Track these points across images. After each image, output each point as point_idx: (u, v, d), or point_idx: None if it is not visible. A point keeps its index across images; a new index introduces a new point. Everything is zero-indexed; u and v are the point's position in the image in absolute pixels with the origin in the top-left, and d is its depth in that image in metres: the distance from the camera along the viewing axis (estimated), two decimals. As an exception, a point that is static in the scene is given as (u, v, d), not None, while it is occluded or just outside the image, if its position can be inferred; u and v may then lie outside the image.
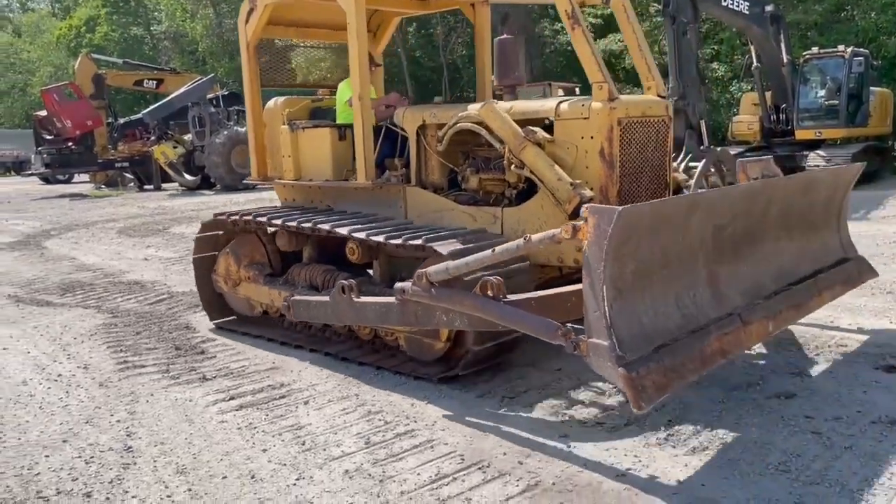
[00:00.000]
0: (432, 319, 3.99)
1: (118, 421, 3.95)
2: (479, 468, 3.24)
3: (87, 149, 23.86)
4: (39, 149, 25.04)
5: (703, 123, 13.71)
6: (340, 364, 4.81)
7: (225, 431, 3.76)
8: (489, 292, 3.64)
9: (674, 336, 3.33)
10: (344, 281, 4.50)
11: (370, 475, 3.21)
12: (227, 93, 24.63)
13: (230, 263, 5.77)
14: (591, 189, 4.23)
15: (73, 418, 4.02)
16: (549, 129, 4.49)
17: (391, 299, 4.15)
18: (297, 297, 4.95)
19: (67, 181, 29.21)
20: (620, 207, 2.97)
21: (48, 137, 24.51)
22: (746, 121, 17.37)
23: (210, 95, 23.20)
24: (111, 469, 3.37)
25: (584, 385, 4.21)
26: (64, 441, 3.70)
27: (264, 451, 3.51)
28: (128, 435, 3.76)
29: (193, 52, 42.72)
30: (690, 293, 3.57)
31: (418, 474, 3.20)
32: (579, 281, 3.15)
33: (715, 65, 22.91)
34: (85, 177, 26.94)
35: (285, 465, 3.35)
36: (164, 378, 4.66)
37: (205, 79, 24.28)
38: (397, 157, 5.26)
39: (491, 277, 3.68)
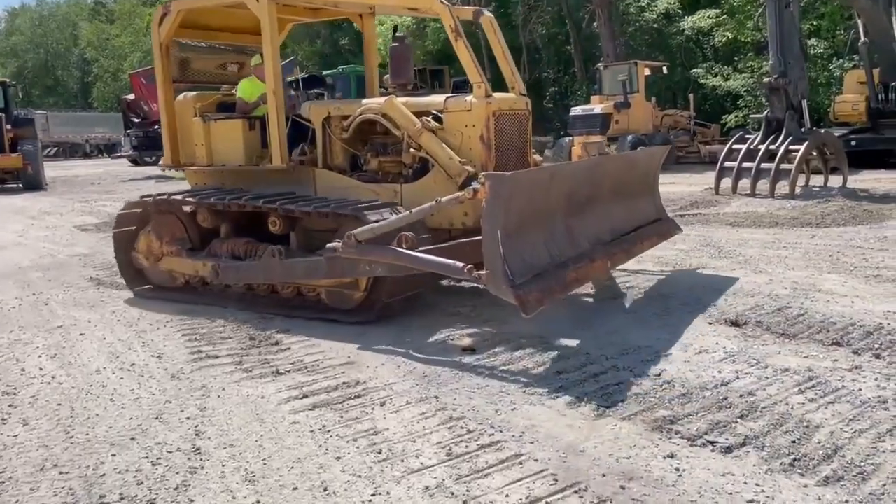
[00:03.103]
0: (356, 271, 5.05)
1: (188, 418, 3.76)
2: (576, 492, 2.87)
3: (172, 131, 24.36)
4: (128, 131, 25.82)
5: (804, 103, 12.77)
6: (418, 360, 4.51)
7: (297, 434, 3.51)
8: (405, 245, 4.72)
9: (545, 268, 4.66)
10: (274, 247, 5.58)
11: (453, 494, 2.88)
12: (306, 76, 24.71)
13: (151, 241, 6.41)
14: (474, 166, 5.43)
15: (143, 413, 3.85)
16: (438, 119, 5.63)
17: (319, 258, 5.20)
18: (225, 264, 5.85)
19: (155, 163, 30.08)
20: (509, 174, 4.38)
21: (136, 120, 25.22)
22: (851, 100, 16.19)
23: (290, 78, 23.31)
24: (178, 473, 3.16)
25: (690, 393, 3.78)
26: (132, 439, 3.53)
27: (338, 458, 3.23)
28: (197, 434, 3.56)
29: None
30: (554, 238, 4.96)
31: (507, 496, 2.85)
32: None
33: (814, 41, 21.48)
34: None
35: (360, 476, 3.07)
36: (236, 371, 4.46)
37: (285, 62, 24.41)
38: (306, 144, 6.16)
39: (406, 233, 4.78)
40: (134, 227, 6.58)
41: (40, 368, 4.63)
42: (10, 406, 4.00)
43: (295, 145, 6.18)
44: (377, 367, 4.44)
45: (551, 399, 3.80)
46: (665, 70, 21.39)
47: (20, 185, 20.44)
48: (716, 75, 23.58)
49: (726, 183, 12.63)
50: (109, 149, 41.72)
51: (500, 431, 3.44)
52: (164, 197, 6.32)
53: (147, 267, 6.50)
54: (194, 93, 6.93)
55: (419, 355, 4.61)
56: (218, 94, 7.09)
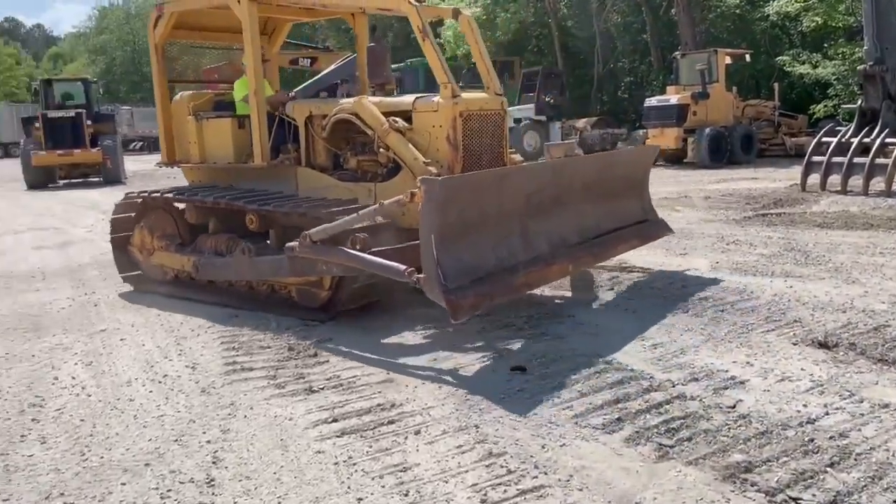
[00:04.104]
0: (314, 270, 5.11)
1: (208, 441, 3.49)
2: (628, 560, 2.44)
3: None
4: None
5: (903, 92, 11.71)
6: (461, 380, 4.13)
7: (319, 466, 3.18)
8: (357, 246, 4.77)
9: (489, 272, 4.56)
10: (243, 244, 5.71)
11: (483, 553, 2.50)
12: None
13: (145, 235, 6.63)
14: (441, 166, 5.40)
15: (164, 433, 3.61)
16: (409, 119, 5.61)
17: (282, 256, 5.23)
18: (203, 260, 6.05)
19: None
20: (442, 178, 4.53)
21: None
22: (957, 88, 14.79)
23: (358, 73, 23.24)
24: (185, 510, 2.89)
25: (770, 432, 3.26)
26: (146, 465, 3.28)
27: (360, 500, 2.89)
28: (214, 462, 3.28)
29: (348, 31, 43.53)
30: (505, 241, 4.84)
31: (545, 560, 2.45)
32: None
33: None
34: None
35: (381, 524, 2.72)
36: (268, 386, 4.19)
37: (353, 56, 24.38)
38: (290, 143, 6.22)
39: (358, 234, 4.81)
40: (130, 221, 6.84)
41: (73, 378, 4.48)
42: (33, 420, 3.84)
43: (284, 144, 6.28)
44: (416, 386, 4.08)
45: (607, 434, 3.36)
46: (748, 58, 20.21)
47: (100, 180, 21.06)
48: (803, 63, 22.15)
49: (814, 179, 11.72)
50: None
51: (545, 474, 3.02)
52: (155, 193, 6.63)
53: (141, 261, 6.74)
54: (190, 92, 7.10)
55: (463, 374, 4.24)
56: (211, 93, 7.21)
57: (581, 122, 22.50)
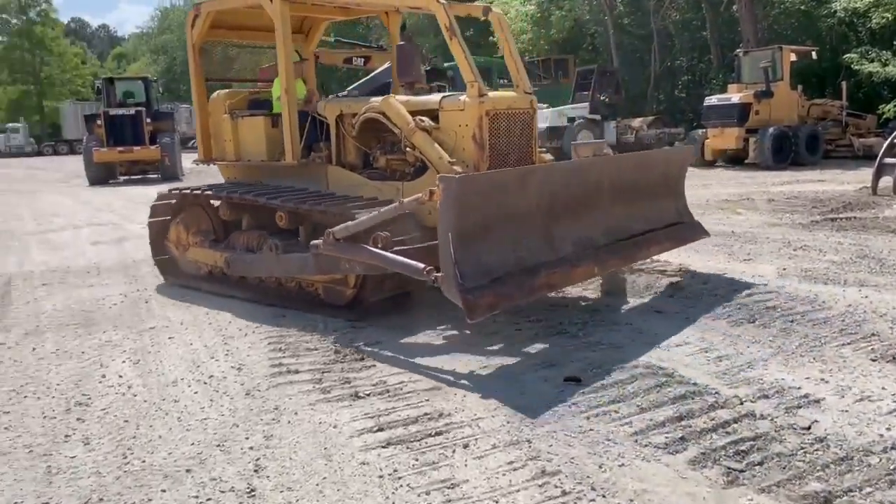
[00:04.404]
0: (338, 268, 5.15)
1: (251, 448, 3.38)
2: None
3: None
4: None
5: None
6: (513, 390, 3.94)
7: (363, 479, 3.04)
8: (379, 244, 4.77)
9: (508, 272, 4.46)
10: (271, 241, 5.74)
11: (536, 584, 2.31)
12: (429, 68, 24.51)
13: (180, 231, 6.72)
14: (467, 165, 5.36)
15: (206, 437, 3.52)
16: (437, 118, 5.58)
17: (308, 254, 5.29)
18: (234, 257, 6.16)
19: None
20: (460, 176, 4.32)
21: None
22: None
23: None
24: (224, 521, 2.78)
25: (850, 458, 2.99)
26: (188, 470, 3.19)
27: (404, 518, 2.74)
28: (256, 470, 3.17)
29: (402, 29, 43.58)
30: (526, 241, 4.73)
31: None
32: None
33: None
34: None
35: (427, 546, 2.55)
36: (314, 391, 4.07)
37: (406, 54, 24.32)
38: (323, 141, 6.24)
39: (380, 232, 4.80)
40: (166, 218, 6.96)
41: (120, 376, 4.44)
42: (78, 420, 3.80)
43: (317, 142, 6.30)
44: (465, 395, 3.91)
45: (670, 454, 3.13)
46: (814, 55, 19.44)
47: (159, 176, 21.49)
48: (872, 61, 21.18)
49: (886, 182, 11.13)
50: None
51: (603, 497, 2.81)
52: (187, 191, 6.76)
53: (177, 256, 6.85)
54: (226, 90, 7.21)
55: (514, 383, 4.05)
56: (247, 92, 7.27)
57: (637, 122, 21.99)
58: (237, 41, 7.47)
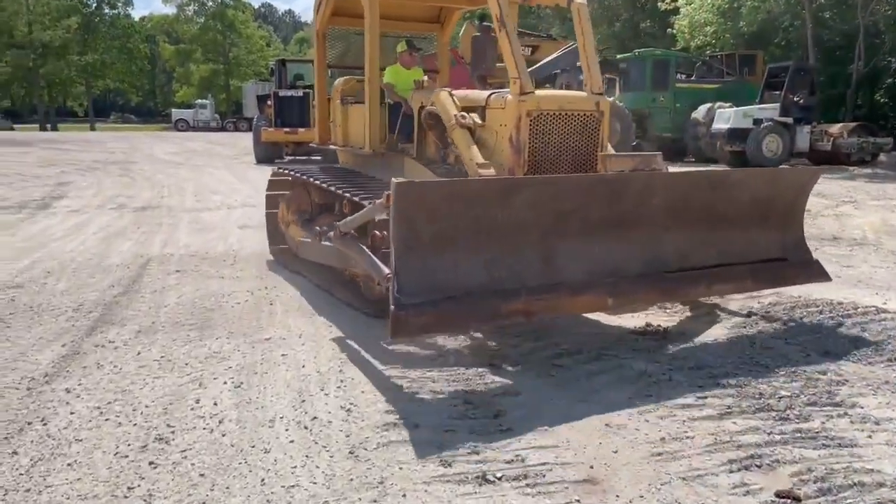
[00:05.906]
0: (350, 262, 5.22)
1: (337, 548, 2.56)
2: None
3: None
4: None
5: None
6: (698, 497, 2.85)
7: None
8: (377, 242, 4.82)
9: (471, 291, 4.00)
10: (318, 227, 5.85)
11: None
12: (601, 59, 23.03)
13: (284, 209, 7.06)
14: (503, 168, 5.05)
15: (287, 518, 2.74)
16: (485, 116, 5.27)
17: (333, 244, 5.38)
18: (301, 239, 6.38)
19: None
20: (413, 182, 4.13)
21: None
22: None
23: (579, 63, 21.89)
24: None
25: None
26: (250, 574, 2.41)
27: None
28: (335, 591, 2.33)
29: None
30: (507, 260, 4.20)
31: None
32: None
33: None
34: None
35: None
36: (430, 461, 3.19)
37: (574, 45, 23.04)
38: (414, 133, 6.06)
39: (377, 231, 4.87)
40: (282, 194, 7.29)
41: (215, 404, 3.80)
42: (150, 465, 3.15)
43: (410, 133, 6.17)
44: (632, 499, 2.87)
45: None
46: None
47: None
48: None
49: None
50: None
51: None
52: (281, 170, 7.29)
53: (284, 232, 7.19)
54: (344, 77, 7.23)
55: (701, 488, 2.95)
56: (358, 79, 7.06)
57: (836, 128, 19.32)
58: (358, 29, 7.29)
